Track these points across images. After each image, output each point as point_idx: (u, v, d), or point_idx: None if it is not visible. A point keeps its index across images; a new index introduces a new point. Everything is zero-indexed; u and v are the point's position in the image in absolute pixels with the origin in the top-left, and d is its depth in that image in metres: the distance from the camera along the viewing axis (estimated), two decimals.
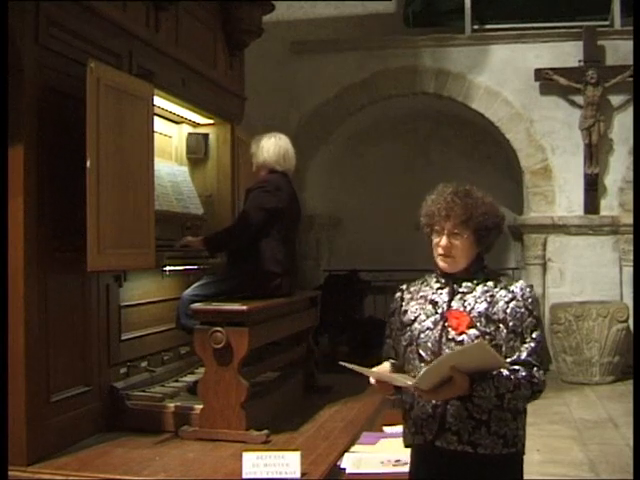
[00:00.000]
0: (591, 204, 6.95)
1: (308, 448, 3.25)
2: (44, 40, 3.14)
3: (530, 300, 1.98)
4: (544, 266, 7.05)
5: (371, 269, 7.85)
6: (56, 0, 3.20)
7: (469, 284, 2.02)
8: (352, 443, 3.36)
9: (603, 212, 6.95)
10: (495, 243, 2.10)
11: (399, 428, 3.48)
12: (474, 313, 1.97)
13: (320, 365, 4.84)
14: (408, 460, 2.96)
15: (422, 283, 2.14)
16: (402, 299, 2.15)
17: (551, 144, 7.12)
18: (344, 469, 3.02)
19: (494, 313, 1.96)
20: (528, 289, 2.00)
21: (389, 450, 3.16)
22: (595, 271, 6.91)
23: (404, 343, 2.06)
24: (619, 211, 6.91)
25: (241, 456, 2.87)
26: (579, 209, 7.01)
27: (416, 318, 2.05)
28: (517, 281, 2.04)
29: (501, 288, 2.00)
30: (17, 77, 3.03)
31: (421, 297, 2.09)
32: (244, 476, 2.83)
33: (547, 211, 7.05)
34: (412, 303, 2.10)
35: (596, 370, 6.40)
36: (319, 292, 4.81)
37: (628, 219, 6.69)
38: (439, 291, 2.06)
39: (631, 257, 6.62)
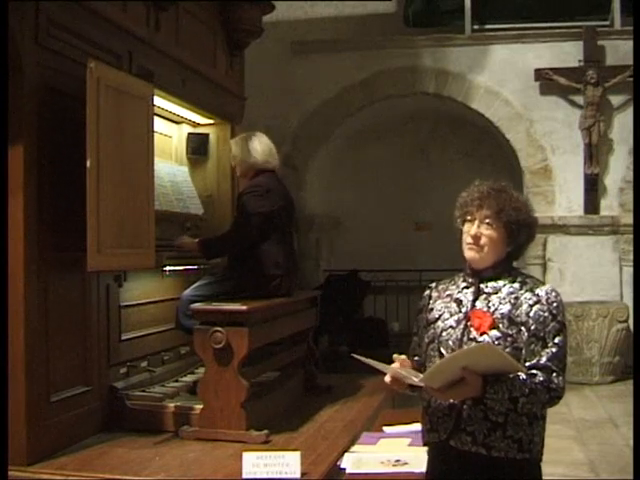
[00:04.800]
0: (591, 204, 6.94)
1: (308, 448, 3.25)
2: (44, 40, 3.14)
3: (555, 304, 1.95)
4: (544, 266, 7.04)
5: (371, 269, 7.85)
6: (56, 0, 3.20)
7: (495, 284, 2.01)
8: (352, 443, 3.35)
9: (603, 212, 6.95)
10: (526, 248, 2.09)
11: (399, 428, 3.51)
12: (497, 314, 1.95)
13: (320, 365, 4.84)
14: (408, 460, 2.99)
15: (450, 282, 2.13)
16: (430, 297, 2.14)
17: (551, 144, 7.11)
18: (344, 469, 3.02)
19: (517, 315, 1.94)
20: (554, 293, 1.98)
21: (389, 450, 3.16)
22: (595, 271, 6.91)
23: (427, 340, 2.06)
24: (619, 211, 6.90)
25: (241, 456, 2.87)
26: (579, 209, 7.01)
27: (440, 316, 2.04)
28: (544, 284, 2.02)
29: (526, 290, 1.98)
30: (17, 77, 3.03)
31: (447, 295, 2.08)
32: (244, 476, 2.83)
33: (547, 211, 7.05)
34: (439, 301, 2.09)
35: (596, 370, 6.40)
36: (319, 292, 4.80)
37: (628, 219, 6.68)
38: (465, 290, 2.05)
39: (631, 257, 6.62)
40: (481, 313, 1.97)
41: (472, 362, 1.82)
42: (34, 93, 3.10)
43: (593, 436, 4.76)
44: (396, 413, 4.06)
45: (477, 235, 1.99)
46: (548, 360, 1.90)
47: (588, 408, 5.53)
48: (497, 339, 1.92)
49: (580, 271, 6.94)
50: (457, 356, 1.85)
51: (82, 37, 3.38)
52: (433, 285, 2.19)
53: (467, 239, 2.02)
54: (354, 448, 3.27)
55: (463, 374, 1.82)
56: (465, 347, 1.94)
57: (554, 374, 1.89)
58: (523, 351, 1.92)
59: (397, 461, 3.00)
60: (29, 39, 3.07)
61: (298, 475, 2.83)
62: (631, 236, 6.52)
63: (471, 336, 1.95)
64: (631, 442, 4.19)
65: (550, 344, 1.92)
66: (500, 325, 1.93)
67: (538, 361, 1.90)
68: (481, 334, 1.94)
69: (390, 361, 2.03)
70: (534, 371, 1.88)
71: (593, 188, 6.92)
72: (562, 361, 1.92)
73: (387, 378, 1.99)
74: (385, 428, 3.57)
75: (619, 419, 5.12)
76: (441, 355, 1.99)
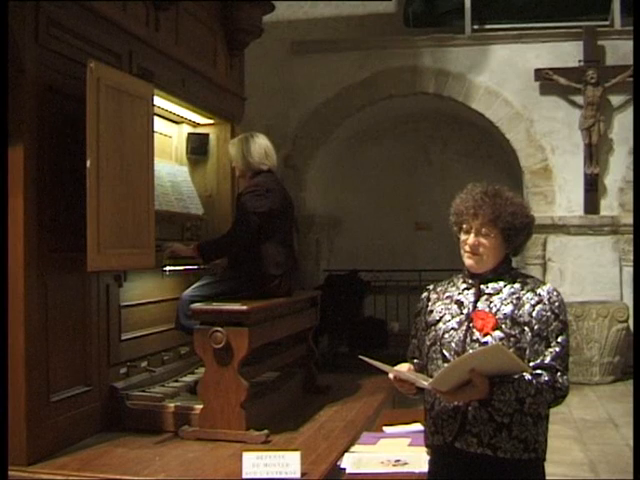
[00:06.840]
0: (591, 204, 6.94)
1: (308, 448, 3.25)
2: (44, 40, 3.14)
3: (557, 304, 1.96)
4: (544, 266, 7.04)
5: (371, 269, 7.86)
6: (56, 0, 3.20)
7: (496, 285, 2.01)
8: (352, 443, 3.36)
9: (603, 212, 6.94)
10: (524, 246, 2.09)
11: (399, 428, 3.51)
12: (500, 315, 1.95)
13: (320, 365, 4.84)
14: (408, 460, 2.99)
15: (449, 283, 2.13)
16: (428, 299, 2.14)
17: (551, 144, 7.11)
18: (344, 469, 3.02)
19: (520, 316, 1.94)
20: (555, 293, 1.98)
21: (389, 450, 3.16)
22: (595, 271, 6.91)
23: (428, 343, 2.05)
24: (619, 211, 6.90)
25: (241, 456, 2.88)
26: (579, 209, 7.00)
27: (441, 318, 2.04)
28: (545, 284, 2.02)
29: (528, 291, 1.98)
30: (17, 77, 3.03)
31: (447, 297, 2.08)
32: (244, 476, 2.83)
33: (547, 211, 7.05)
34: (438, 303, 2.09)
35: (596, 370, 6.40)
36: (319, 292, 4.80)
37: (628, 219, 6.68)
38: (465, 292, 2.04)
39: (631, 257, 6.61)
40: (483, 314, 1.96)
41: (481, 364, 1.82)
42: (34, 93, 3.10)
43: (593, 436, 4.76)
44: (396, 413, 4.07)
45: (475, 244, 1.99)
46: (552, 360, 1.90)
47: (588, 408, 5.53)
48: (500, 340, 1.92)
49: (580, 271, 6.94)
50: (467, 358, 1.84)
51: (82, 37, 3.38)
52: (431, 287, 2.18)
53: (465, 247, 2.02)
54: (354, 448, 3.28)
55: (471, 376, 1.82)
56: (468, 348, 1.93)
57: (558, 373, 1.89)
58: (527, 351, 1.92)
59: (397, 461, 3.00)
60: (29, 39, 3.07)
61: (298, 475, 2.83)
62: (631, 236, 6.51)
63: (474, 337, 1.95)
64: (631, 442, 4.19)
65: (553, 343, 1.92)
66: (503, 326, 1.93)
67: (542, 361, 1.90)
68: (484, 335, 1.93)
69: (392, 362, 2.03)
70: (539, 371, 1.88)
71: (593, 188, 6.92)
72: (565, 360, 1.93)
73: (392, 376, 1.99)
74: (385, 428, 3.57)
75: (619, 419, 5.12)
76: (444, 357, 1.98)
